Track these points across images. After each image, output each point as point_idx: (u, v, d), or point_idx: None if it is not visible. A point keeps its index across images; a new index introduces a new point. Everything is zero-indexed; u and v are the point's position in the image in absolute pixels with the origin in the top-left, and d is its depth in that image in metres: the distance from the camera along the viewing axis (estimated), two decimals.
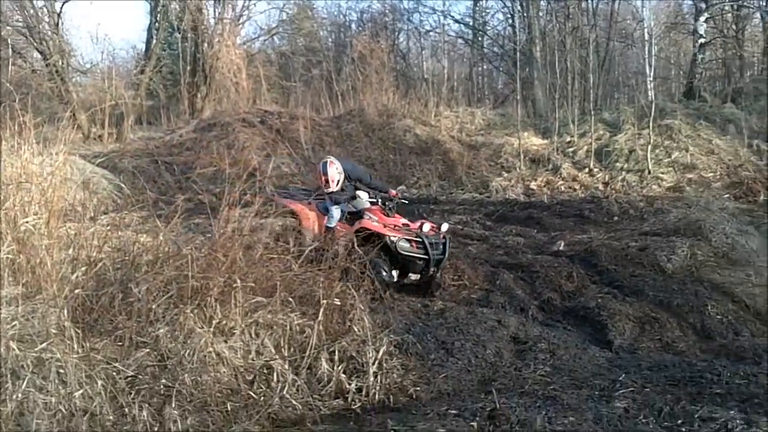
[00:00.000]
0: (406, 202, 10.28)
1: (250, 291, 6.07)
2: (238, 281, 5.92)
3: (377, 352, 6.08)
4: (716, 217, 12.89)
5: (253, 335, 5.83)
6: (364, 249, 8.63)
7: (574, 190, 18.36)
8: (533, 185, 18.63)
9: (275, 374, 5.57)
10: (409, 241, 8.92)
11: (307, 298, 6.38)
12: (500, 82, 35.98)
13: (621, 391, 5.87)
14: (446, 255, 9.22)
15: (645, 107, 20.38)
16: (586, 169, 19.30)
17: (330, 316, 6.21)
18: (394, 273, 8.93)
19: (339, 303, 6.34)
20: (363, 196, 9.39)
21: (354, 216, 9.32)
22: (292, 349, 5.91)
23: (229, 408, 5.16)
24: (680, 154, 19.03)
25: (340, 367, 5.93)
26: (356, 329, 6.22)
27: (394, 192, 9.77)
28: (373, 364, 5.99)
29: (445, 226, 9.38)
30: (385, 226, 8.96)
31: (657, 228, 12.87)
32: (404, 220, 9.32)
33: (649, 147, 18.88)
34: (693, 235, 11.98)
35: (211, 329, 5.62)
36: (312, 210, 9.55)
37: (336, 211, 9.25)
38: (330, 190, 9.29)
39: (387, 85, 22.36)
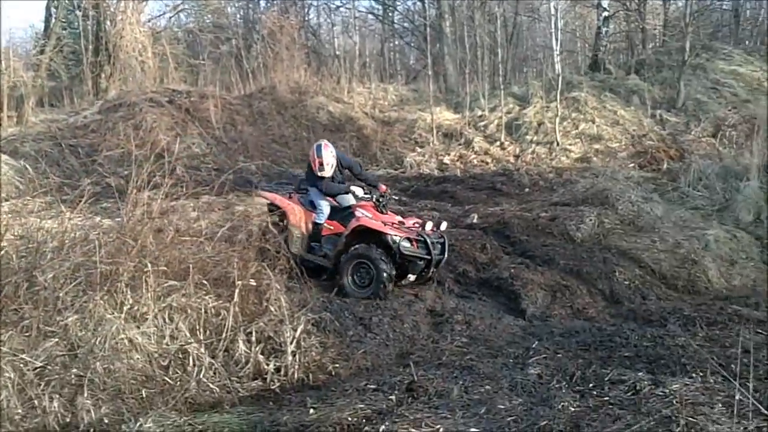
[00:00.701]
0: (396, 198, 9.80)
1: (162, 275, 5.94)
2: (149, 265, 5.79)
3: (295, 331, 6.06)
4: (622, 185, 13.29)
5: (167, 320, 5.72)
6: (359, 246, 8.35)
7: (487, 163, 18.64)
8: (446, 159, 18.82)
9: (191, 358, 5.49)
10: (410, 240, 8.46)
11: (222, 279, 6.29)
12: (412, 58, 36.16)
13: (534, 358, 6.04)
14: (445, 255, 8.86)
15: (552, 80, 20.80)
16: (498, 143, 19.60)
17: (246, 297, 6.15)
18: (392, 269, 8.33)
19: (254, 283, 6.28)
20: (358, 192, 8.82)
21: (341, 212, 8.83)
22: (207, 332, 5.83)
23: (144, 395, 5.07)
24: (587, 125, 19.52)
25: (257, 348, 5.90)
26: (273, 309, 6.18)
27: (384, 187, 9.16)
28: (291, 343, 5.98)
29: (443, 225, 9.06)
30: (384, 224, 8.47)
31: (566, 198, 13.19)
32: (399, 218, 8.88)
33: (557, 119, 19.30)
34: (600, 204, 12.34)
35: (123, 315, 5.48)
36: (297, 204, 8.98)
37: (326, 206, 8.77)
38: (324, 174, 8.68)
39: (298, 62, 22.12)
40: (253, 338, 5.92)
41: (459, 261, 9.92)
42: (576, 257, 10.10)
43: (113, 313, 5.47)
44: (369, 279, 8.22)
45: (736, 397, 4.16)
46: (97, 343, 5.21)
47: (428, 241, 8.44)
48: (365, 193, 8.88)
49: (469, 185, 15.69)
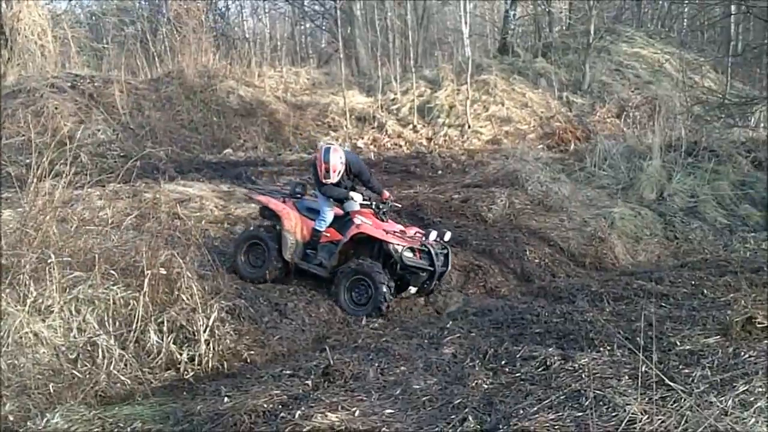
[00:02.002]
0: (399, 206, 9.31)
1: (67, 266, 5.76)
2: (53, 256, 5.59)
3: (208, 319, 5.99)
4: (531, 166, 13.54)
5: (74, 312, 5.55)
6: (358, 262, 7.94)
7: (400, 146, 18.69)
8: (360, 143, 18.78)
9: (100, 350, 5.35)
10: (413, 250, 8.04)
11: (130, 269, 6.14)
12: (323, 41, 35.88)
13: (449, 338, 6.11)
14: (449, 267, 8.37)
15: (463, 63, 21.00)
16: (410, 126, 19.67)
17: (156, 286, 6.01)
18: (392, 286, 7.89)
19: (165, 272, 6.14)
20: (356, 197, 8.20)
21: (339, 220, 8.38)
22: (117, 324, 5.69)
23: (51, 390, 4.92)
24: (497, 108, 19.79)
25: (169, 338, 5.81)
26: (185, 297, 6.07)
27: (387, 194, 8.66)
28: (205, 331, 5.90)
29: (447, 235, 8.50)
30: (386, 233, 8.04)
31: (478, 180, 13.38)
32: (399, 226, 8.44)
33: (468, 102, 19.52)
34: (511, 185, 12.56)
35: (26, 309, 5.30)
36: (293, 210, 8.48)
37: (330, 214, 8.27)
38: (329, 181, 8.09)
39: (206, 46, 21.60)
40: (165, 328, 5.82)
41: None
42: (488, 238, 10.27)
43: (16, 307, 5.28)
44: (367, 297, 7.79)
45: (641, 369, 4.30)
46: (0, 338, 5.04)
47: (432, 251, 8.03)
48: (364, 200, 8.31)
49: (383, 168, 15.69)
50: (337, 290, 7.92)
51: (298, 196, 8.69)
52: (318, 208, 8.43)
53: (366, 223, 8.10)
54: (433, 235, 8.29)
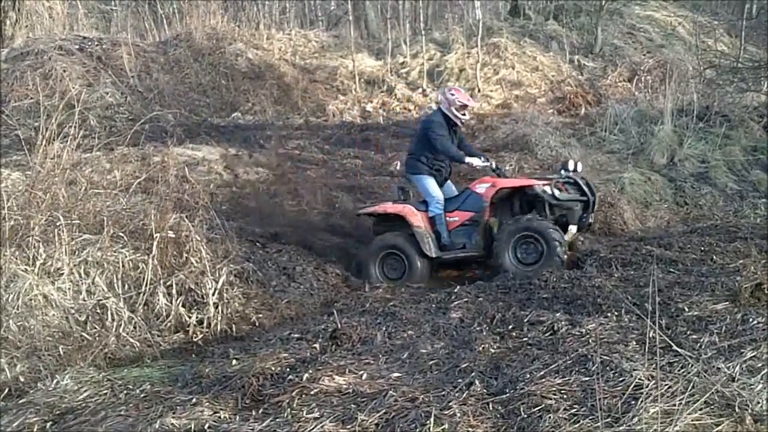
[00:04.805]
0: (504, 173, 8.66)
1: (76, 228, 5.77)
2: (62, 218, 5.61)
3: (217, 282, 6.02)
4: (541, 131, 13.46)
5: (83, 274, 5.58)
6: (527, 217, 7.54)
7: (409, 110, 18.55)
8: (369, 107, 18.66)
9: (109, 313, 5.39)
10: (557, 187, 7.59)
11: (139, 232, 6.16)
12: (332, 3, 35.54)
13: (456, 303, 6.13)
14: (596, 195, 7.89)
15: (473, 26, 20.79)
16: (420, 90, 19.50)
17: (165, 250, 6.03)
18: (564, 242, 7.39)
19: (173, 235, 6.15)
20: (475, 161, 7.88)
21: (456, 199, 8.03)
22: (126, 286, 5.72)
23: (61, 351, 4.96)
24: (507, 71, 19.58)
25: (178, 301, 5.84)
26: (193, 261, 6.10)
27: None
28: (213, 294, 5.94)
29: (579, 165, 8.00)
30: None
31: (487, 144, 13.31)
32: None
33: (478, 66, 19.34)
34: (520, 150, 12.51)
35: (36, 271, 5.33)
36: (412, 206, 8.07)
37: (436, 191, 7.96)
38: (465, 118, 8.07)
39: (214, 8, 21.46)
40: (174, 291, 5.85)
41: None
42: None
43: (26, 269, 5.30)
44: (537, 254, 7.32)
45: (649, 335, 4.30)
46: (9, 300, 5.08)
47: (578, 181, 7.64)
48: (484, 161, 7.95)
49: (392, 133, 15.61)
50: (498, 251, 7.45)
51: (403, 200, 8.26)
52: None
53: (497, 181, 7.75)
54: (571, 164, 7.91)
